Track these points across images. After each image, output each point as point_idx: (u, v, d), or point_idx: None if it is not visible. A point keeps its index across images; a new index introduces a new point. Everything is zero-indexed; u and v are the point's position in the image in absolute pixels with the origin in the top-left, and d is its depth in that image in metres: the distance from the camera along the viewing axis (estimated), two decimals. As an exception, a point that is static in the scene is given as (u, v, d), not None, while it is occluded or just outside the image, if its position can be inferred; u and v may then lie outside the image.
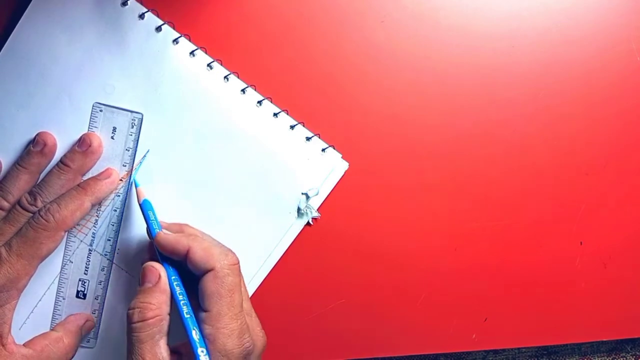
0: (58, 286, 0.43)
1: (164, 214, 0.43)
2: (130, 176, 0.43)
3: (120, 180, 0.43)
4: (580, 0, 0.46)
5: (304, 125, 0.44)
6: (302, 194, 0.44)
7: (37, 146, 0.41)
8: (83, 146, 0.42)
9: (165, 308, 0.38)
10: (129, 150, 0.43)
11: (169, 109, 0.43)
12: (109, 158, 0.43)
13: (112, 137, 0.43)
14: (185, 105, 0.43)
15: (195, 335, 0.36)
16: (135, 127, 0.43)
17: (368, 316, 0.46)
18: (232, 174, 0.44)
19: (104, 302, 0.43)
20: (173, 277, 0.39)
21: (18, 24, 0.42)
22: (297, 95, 0.44)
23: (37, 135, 0.42)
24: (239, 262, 0.39)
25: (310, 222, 0.45)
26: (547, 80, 0.46)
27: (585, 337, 0.49)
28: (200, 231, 0.42)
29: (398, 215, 0.46)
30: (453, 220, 0.46)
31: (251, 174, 0.44)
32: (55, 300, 0.43)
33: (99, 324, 0.44)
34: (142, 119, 0.43)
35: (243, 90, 0.43)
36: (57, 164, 0.42)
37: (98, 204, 0.42)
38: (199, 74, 0.43)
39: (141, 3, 0.42)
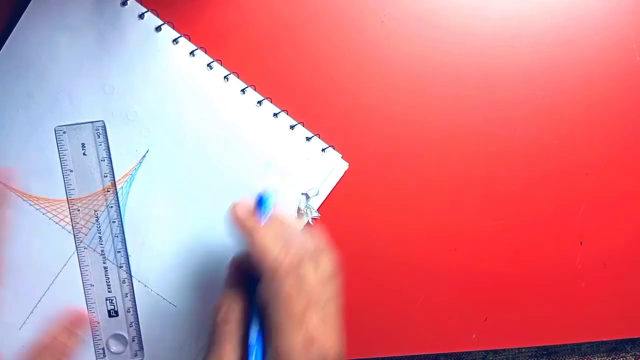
0: (89, 312, 0.43)
1: (164, 214, 0.43)
2: (116, 186, 0.43)
3: (108, 191, 0.43)
4: (580, 0, 0.46)
5: (304, 125, 0.44)
6: (302, 194, 0.44)
7: None
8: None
9: (245, 314, 0.36)
10: (104, 160, 0.43)
11: (168, 109, 0.43)
12: (88, 174, 0.43)
13: (84, 154, 0.42)
14: (185, 105, 0.43)
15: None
16: (101, 136, 0.42)
17: (368, 316, 0.46)
18: (232, 174, 0.44)
19: (137, 313, 0.43)
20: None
21: (17, 24, 0.42)
22: (297, 95, 0.44)
23: None
24: (303, 260, 0.35)
25: (310, 222, 0.45)
26: (547, 80, 0.46)
27: (585, 337, 0.49)
28: (288, 223, 0.38)
29: (398, 216, 0.46)
30: (453, 220, 0.46)
31: (251, 174, 0.44)
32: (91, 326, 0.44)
33: (140, 335, 0.44)
34: (104, 125, 0.42)
35: (243, 90, 0.43)
36: None
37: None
38: (199, 74, 0.43)
39: (141, 3, 0.42)
